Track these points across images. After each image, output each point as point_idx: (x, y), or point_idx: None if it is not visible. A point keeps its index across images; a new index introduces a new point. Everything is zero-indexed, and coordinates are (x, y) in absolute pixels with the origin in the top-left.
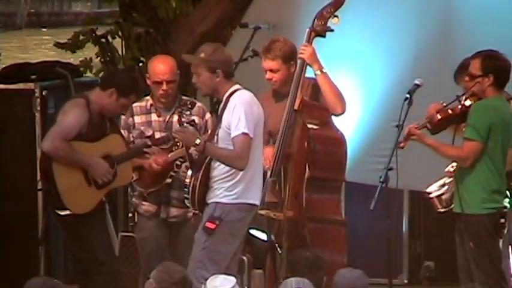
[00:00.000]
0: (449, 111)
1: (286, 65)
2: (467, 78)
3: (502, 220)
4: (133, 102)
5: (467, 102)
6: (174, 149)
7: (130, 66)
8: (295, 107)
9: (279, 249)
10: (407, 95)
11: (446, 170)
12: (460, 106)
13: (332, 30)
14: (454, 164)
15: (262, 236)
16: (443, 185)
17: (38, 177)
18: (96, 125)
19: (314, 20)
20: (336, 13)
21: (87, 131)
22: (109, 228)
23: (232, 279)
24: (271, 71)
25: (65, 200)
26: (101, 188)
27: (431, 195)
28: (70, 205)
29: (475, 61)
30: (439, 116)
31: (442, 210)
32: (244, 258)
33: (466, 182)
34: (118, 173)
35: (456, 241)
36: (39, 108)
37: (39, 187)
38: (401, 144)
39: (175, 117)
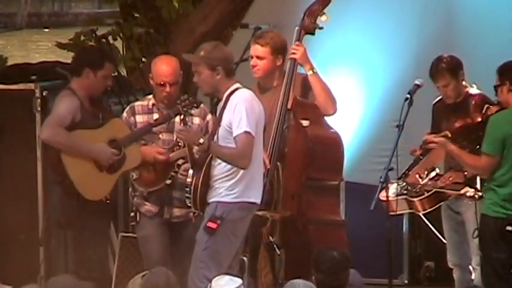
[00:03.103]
0: (469, 120)
1: (273, 56)
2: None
3: (509, 228)
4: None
5: (489, 112)
6: (175, 149)
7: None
8: (288, 107)
9: (277, 250)
10: (408, 95)
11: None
12: (480, 116)
13: (321, 28)
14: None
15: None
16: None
17: (38, 176)
18: (90, 111)
19: (303, 18)
20: (324, 11)
21: (83, 119)
22: (110, 230)
23: (238, 281)
24: (258, 57)
25: (79, 188)
26: (113, 173)
27: (412, 199)
28: (85, 193)
29: None
30: (457, 124)
31: (422, 211)
32: (245, 258)
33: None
34: (127, 156)
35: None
36: (39, 109)
37: (41, 185)
38: (417, 153)
39: (178, 117)
